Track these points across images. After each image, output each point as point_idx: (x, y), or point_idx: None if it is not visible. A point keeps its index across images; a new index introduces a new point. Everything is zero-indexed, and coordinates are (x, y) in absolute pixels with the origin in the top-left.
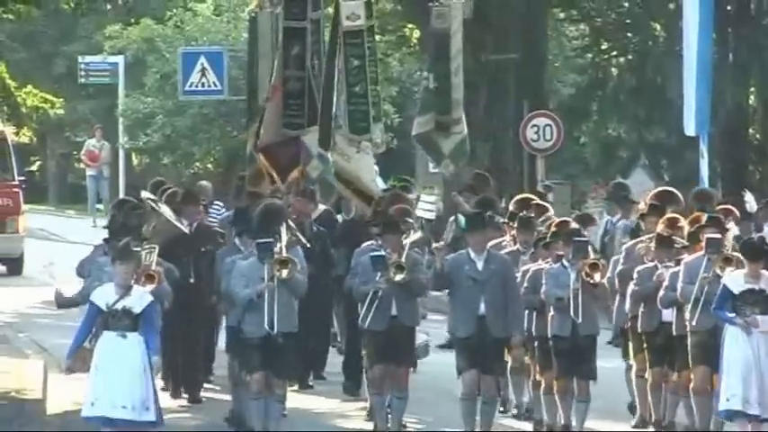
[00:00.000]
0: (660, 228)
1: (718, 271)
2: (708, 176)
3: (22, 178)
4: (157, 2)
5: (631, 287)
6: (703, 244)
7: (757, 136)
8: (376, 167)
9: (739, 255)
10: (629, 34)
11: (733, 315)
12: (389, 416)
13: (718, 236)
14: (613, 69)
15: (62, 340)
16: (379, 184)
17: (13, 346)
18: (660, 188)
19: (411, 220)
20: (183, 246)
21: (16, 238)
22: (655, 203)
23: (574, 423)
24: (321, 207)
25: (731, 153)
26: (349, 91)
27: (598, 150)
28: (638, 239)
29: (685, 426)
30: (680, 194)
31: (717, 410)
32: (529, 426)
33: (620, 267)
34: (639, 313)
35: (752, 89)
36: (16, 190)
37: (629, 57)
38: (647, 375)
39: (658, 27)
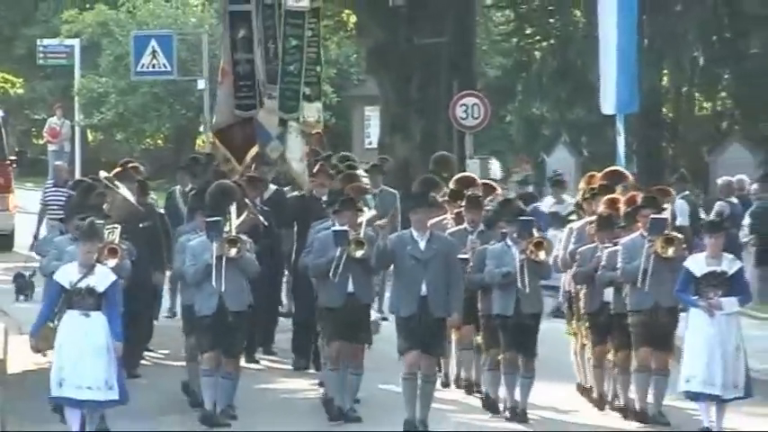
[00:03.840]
0: (601, 209)
1: (660, 252)
2: (624, 153)
3: (13, 158)
4: None
5: (573, 267)
6: (643, 223)
7: (670, 115)
8: (305, 147)
9: (679, 235)
10: (551, 20)
11: (696, 297)
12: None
13: (663, 216)
14: (537, 53)
15: (22, 304)
16: None
17: None
18: (610, 168)
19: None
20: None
21: (7, 215)
22: (604, 183)
23: (518, 398)
24: (272, 187)
25: (646, 131)
26: (283, 69)
27: (522, 128)
28: (588, 219)
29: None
30: (628, 173)
31: (663, 391)
32: (477, 401)
33: (571, 246)
34: (582, 294)
35: (664, 72)
36: (8, 169)
37: (552, 41)
38: (588, 354)
39: (578, 13)
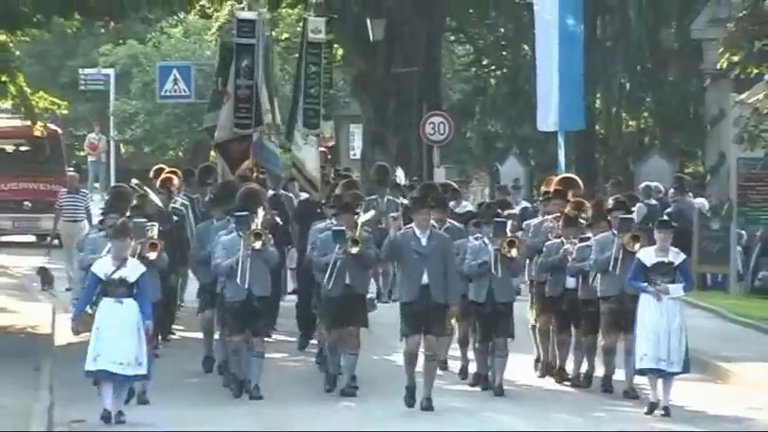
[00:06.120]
0: (567, 209)
1: (627, 246)
2: (564, 163)
3: (71, 169)
4: (140, 27)
5: (540, 259)
6: (614, 223)
7: (602, 131)
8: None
9: (643, 233)
10: (504, 53)
11: (646, 284)
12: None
13: (630, 217)
14: (492, 80)
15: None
16: None
17: (29, 292)
18: (563, 175)
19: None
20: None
21: None
22: (558, 188)
23: (491, 375)
24: (269, 192)
25: (582, 145)
26: (305, 92)
27: (480, 142)
28: (545, 218)
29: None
30: (579, 181)
31: (633, 368)
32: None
33: (527, 241)
34: (546, 281)
35: (597, 95)
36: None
37: (504, 70)
38: (550, 332)
39: (527, 47)
